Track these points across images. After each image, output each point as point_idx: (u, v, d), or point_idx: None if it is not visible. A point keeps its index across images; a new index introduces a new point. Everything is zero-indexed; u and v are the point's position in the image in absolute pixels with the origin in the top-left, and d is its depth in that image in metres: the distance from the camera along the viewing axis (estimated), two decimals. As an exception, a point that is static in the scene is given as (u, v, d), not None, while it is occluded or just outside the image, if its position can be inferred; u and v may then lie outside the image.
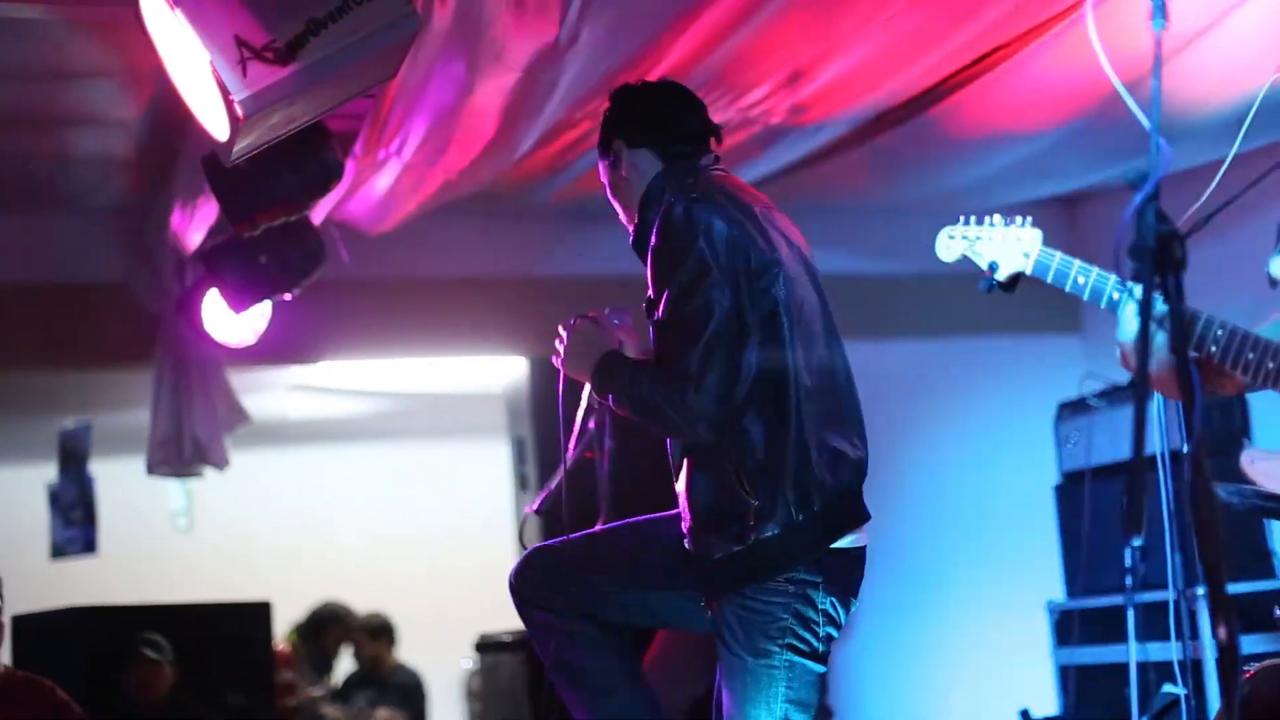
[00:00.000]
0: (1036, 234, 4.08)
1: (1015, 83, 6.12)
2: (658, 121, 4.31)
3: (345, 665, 10.89)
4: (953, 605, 8.47)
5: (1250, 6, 5.33)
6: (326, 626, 10.63)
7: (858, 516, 4.14)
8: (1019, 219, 4.14)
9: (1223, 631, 2.51)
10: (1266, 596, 5.74)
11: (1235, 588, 6.37)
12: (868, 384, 6.97)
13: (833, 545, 4.06)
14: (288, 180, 5.60)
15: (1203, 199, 5.01)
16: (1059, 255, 4.00)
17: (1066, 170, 7.46)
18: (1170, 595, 5.72)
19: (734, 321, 3.96)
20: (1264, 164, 5.59)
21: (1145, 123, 2.75)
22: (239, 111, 4.03)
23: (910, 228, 8.51)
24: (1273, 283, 3.61)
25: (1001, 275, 4.06)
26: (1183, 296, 2.65)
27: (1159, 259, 2.61)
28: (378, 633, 10.65)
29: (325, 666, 10.62)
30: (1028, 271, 4.00)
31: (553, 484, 5.64)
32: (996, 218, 4.14)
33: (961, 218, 4.21)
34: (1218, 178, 5.01)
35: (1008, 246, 4.08)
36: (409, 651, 10.80)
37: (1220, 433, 6.84)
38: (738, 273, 4.00)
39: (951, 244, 4.20)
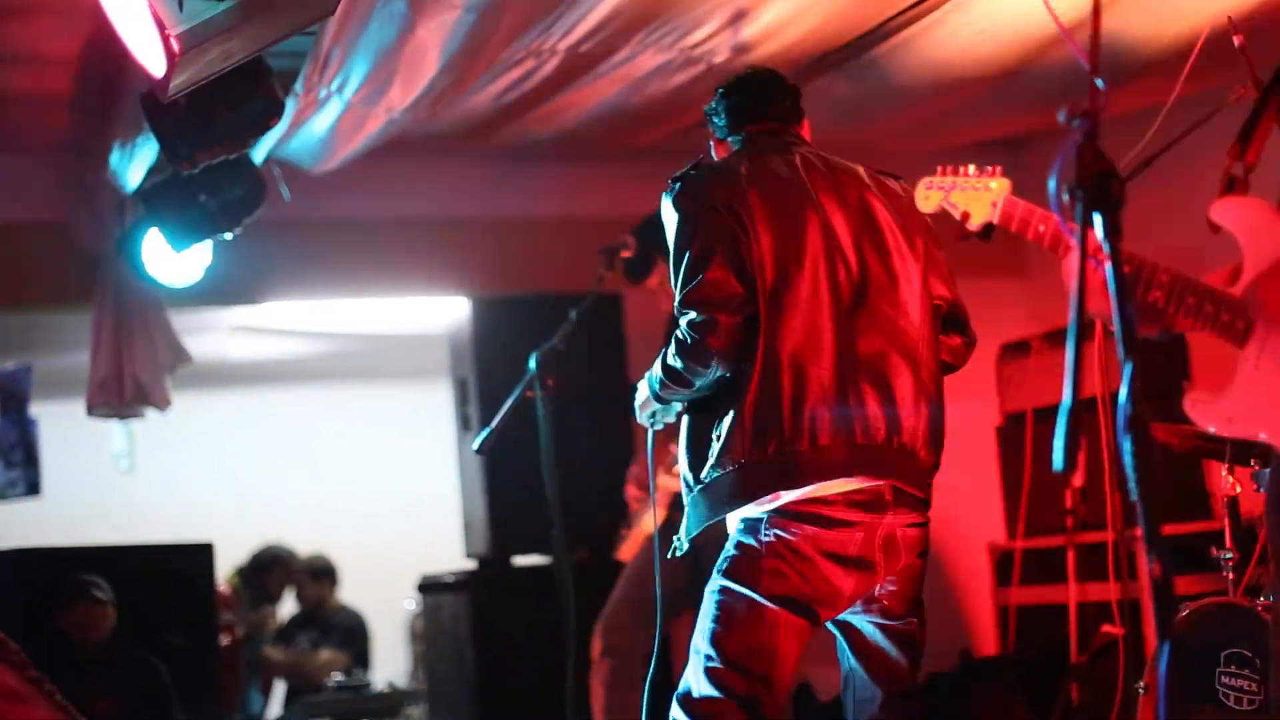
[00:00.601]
0: (1005, 184, 4.07)
1: (959, 23, 6.11)
2: None
3: (288, 607, 10.87)
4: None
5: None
6: (268, 568, 10.60)
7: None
8: (990, 168, 4.12)
9: (1156, 567, 2.52)
10: (1204, 537, 5.76)
11: (1174, 529, 6.42)
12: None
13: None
14: (227, 118, 5.55)
15: (1145, 141, 5.04)
16: (1022, 204, 3.99)
17: (1011, 112, 7.47)
18: (1109, 536, 5.77)
19: None
20: (1209, 106, 5.62)
21: (1084, 62, 2.74)
22: (175, 46, 3.99)
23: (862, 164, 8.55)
24: (1214, 228, 3.62)
25: (974, 224, 4.05)
26: (1120, 234, 2.65)
27: (1096, 196, 2.61)
28: (320, 574, 10.63)
29: (268, 608, 10.62)
30: (995, 221, 3.99)
31: (495, 422, 5.63)
32: (971, 168, 4.12)
33: (939, 168, 4.18)
34: (1159, 119, 5.03)
35: (979, 196, 4.07)
36: (352, 593, 10.79)
37: (1160, 375, 6.88)
38: None
39: (929, 195, 4.18)
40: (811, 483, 4.06)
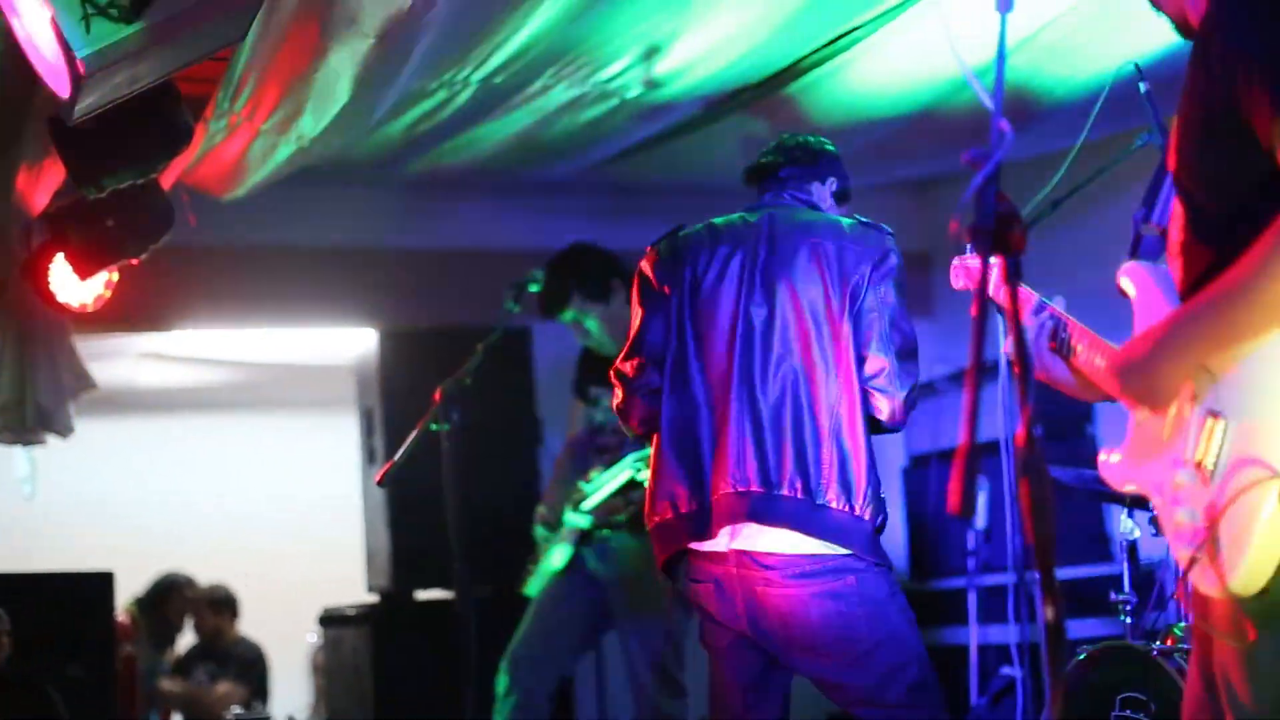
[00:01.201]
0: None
1: (870, 64, 6.15)
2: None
3: (188, 638, 10.77)
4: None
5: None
6: (167, 597, 10.45)
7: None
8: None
9: (1050, 611, 2.53)
10: (1103, 581, 5.81)
11: (1073, 571, 6.46)
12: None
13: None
14: (135, 142, 5.50)
15: (1051, 185, 5.08)
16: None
17: (920, 153, 7.52)
18: (1010, 578, 5.79)
19: None
20: (1116, 152, 5.67)
21: (989, 105, 2.75)
22: (80, 69, 3.96)
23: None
24: (1121, 292, 3.66)
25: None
26: (1020, 276, 2.66)
27: (997, 239, 2.62)
28: (220, 605, 10.52)
29: (168, 638, 10.45)
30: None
31: (399, 455, 5.61)
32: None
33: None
34: (1064, 166, 5.07)
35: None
36: (255, 624, 10.70)
37: (1063, 417, 6.94)
38: None
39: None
40: None
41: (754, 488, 4.31)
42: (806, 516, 4.28)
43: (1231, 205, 2.97)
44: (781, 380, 4.35)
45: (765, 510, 4.30)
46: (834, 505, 4.27)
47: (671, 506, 4.43)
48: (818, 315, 4.37)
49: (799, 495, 4.28)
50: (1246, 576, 2.84)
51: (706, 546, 4.38)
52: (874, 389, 4.38)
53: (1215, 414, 2.94)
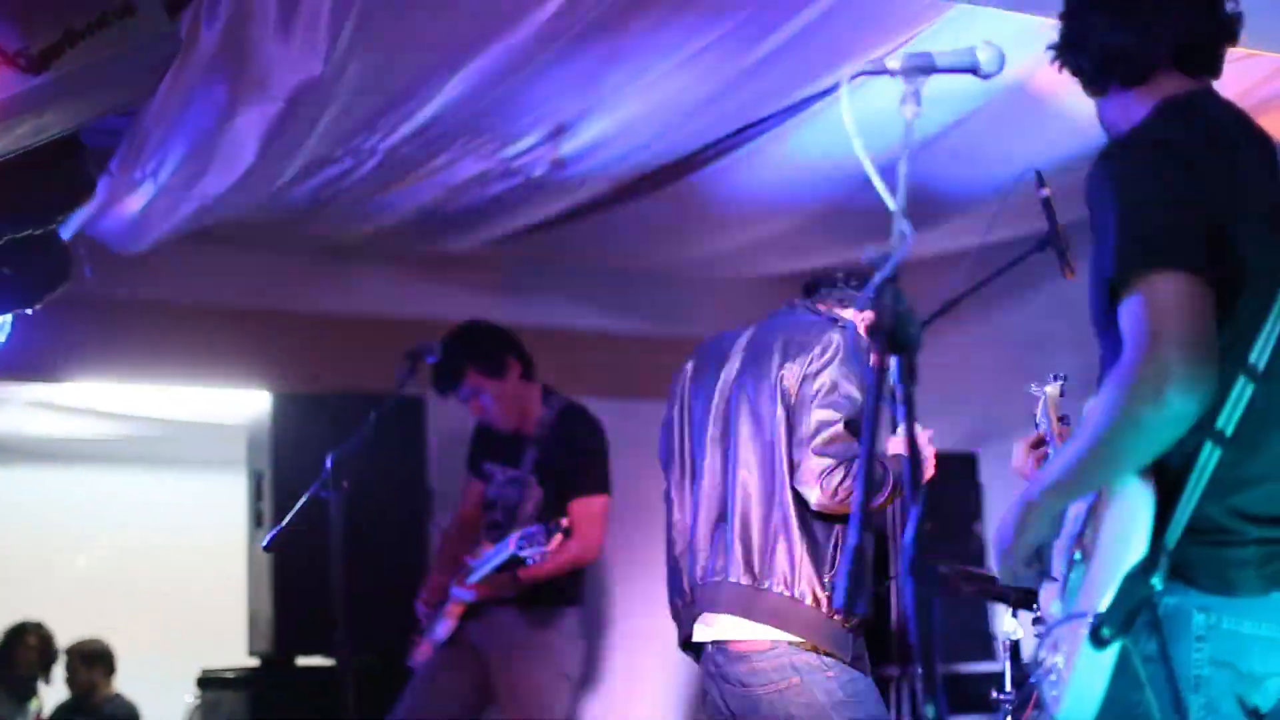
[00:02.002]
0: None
1: (775, 155, 6.20)
2: None
3: (60, 692, 10.58)
4: (680, 671, 8.49)
5: (998, 102, 5.48)
6: (15, 646, 10.21)
7: None
8: None
9: (930, 710, 2.55)
10: (987, 678, 5.84)
11: (959, 668, 6.49)
12: (623, 442, 7.01)
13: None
14: (37, 192, 5.46)
15: (950, 284, 5.13)
16: None
17: (821, 247, 7.57)
18: (893, 672, 5.81)
19: None
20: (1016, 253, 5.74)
21: (891, 204, 2.79)
22: (-16, 118, 3.94)
23: (670, 290, 8.63)
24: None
25: None
26: (915, 376, 2.68)
27: (895, 338, 2.65)
28: (93, 659, 10.31)
29: (25, 689, 10.15)
30: None
31: (286, 520, 5.57)
32: None
33: None
34: (964, 264, 5.12)
35: None
36: (133, 683, 10.54)
37: (953, 516, 6.99)
38: None
39: None
40: None
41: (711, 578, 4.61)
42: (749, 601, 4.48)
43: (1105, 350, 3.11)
44: (735, 480, 4.59)
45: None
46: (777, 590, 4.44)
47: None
48: (759, 413, 4.57)
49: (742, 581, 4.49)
50: (1068, 711, 2.95)
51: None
52: (800, 484, 4.44)
53: (1082, 548, 3.04)
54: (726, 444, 4.65)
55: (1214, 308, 2.90)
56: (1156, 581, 2.90)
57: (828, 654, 4.41)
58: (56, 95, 3.96)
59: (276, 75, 5.07)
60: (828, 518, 4.45)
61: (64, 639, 10.42)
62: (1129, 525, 2.95)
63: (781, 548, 4.44)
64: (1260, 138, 3.20)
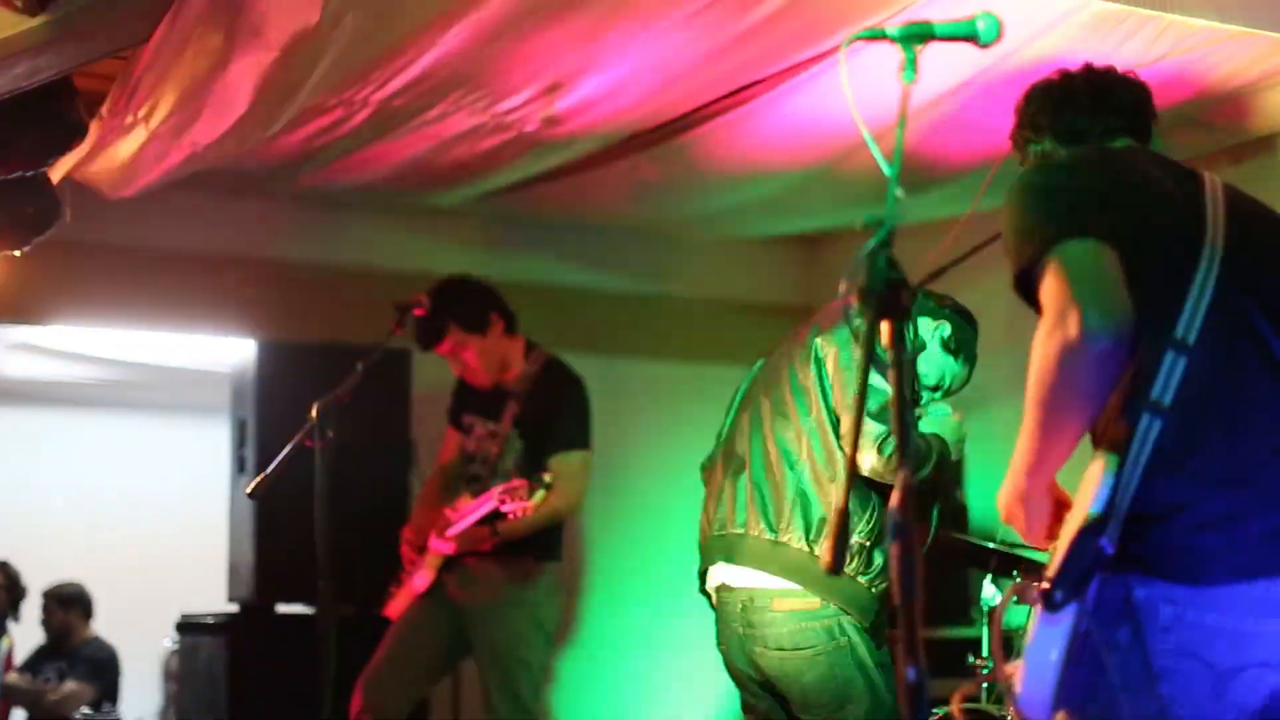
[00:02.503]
0: None
1: (769, 118, 6.20)
2: None
3: (38, 634, 10.60)
4: (654, 628, 8.54)
5: (980, 75, 5.50)
6: None
7: None
8: None
9: (911, 671, 2.57)
10: (964, 643, 5.88)
11: (936, 633, 6.53)
12: (605, 399, 7.06)
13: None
14: (27, 134, 5.47)
15: (937, 251, 5.14)
16: None
17: (812, 209, 7.58)
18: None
19: None
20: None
21: (886, 170, 2.80)
22: (-18, 59, 3.94)
23: (656, 249, 8.64)
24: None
25: None
26: (905, 342, 2.71)
27: (885, 303, 2.67)
28: (69, 602, 10.33)
29: None
30: None
31: (271, 468, 5.59)
32: None
33: None
34: (953, 232, 5.13)
35: None
36: (112, 627, 10.56)
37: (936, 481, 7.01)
38: None
39: None
40: None
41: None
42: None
43: None
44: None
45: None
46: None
47: None
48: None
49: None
50: (1025, 697, 3.08)
51: None
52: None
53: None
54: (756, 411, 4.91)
55: (1120, 267, 3.09)
56: (1105, 543, 2.96)
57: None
58: (53, 37, 3.96)
59: (272, 24, 5.05)
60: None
61: (42, 582, 10.46)
62: (1082, 494, 3.05)
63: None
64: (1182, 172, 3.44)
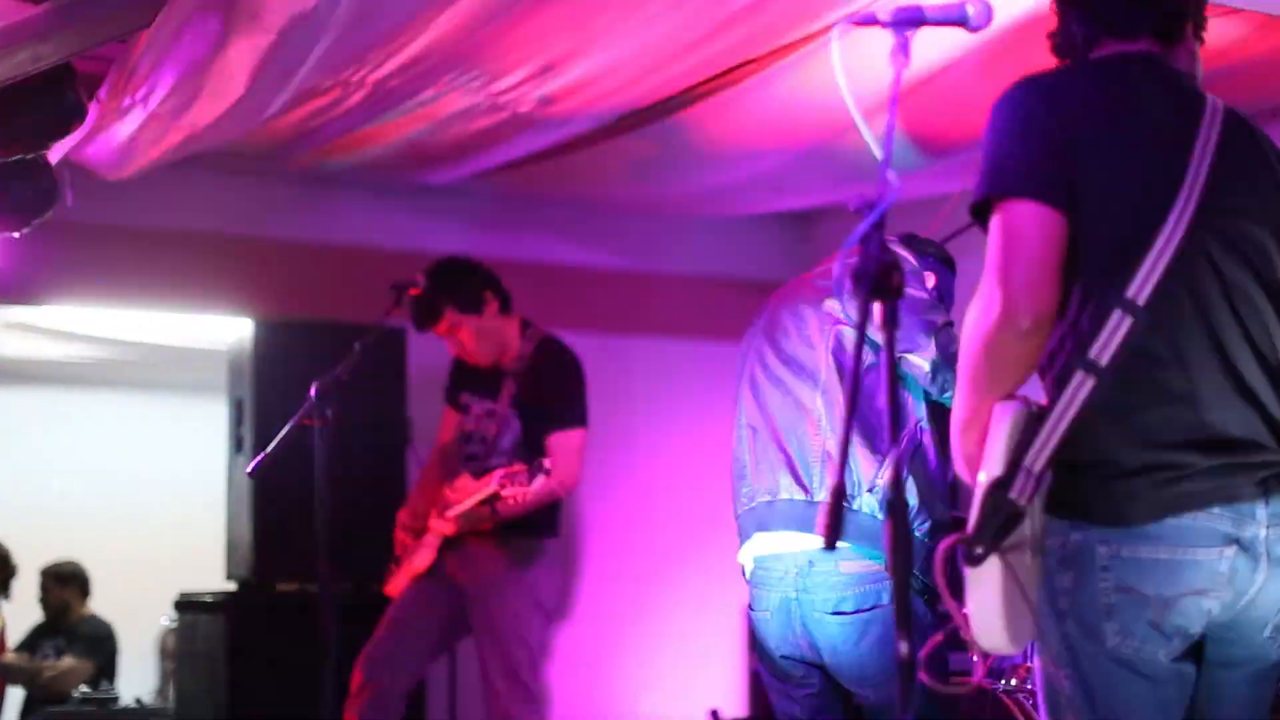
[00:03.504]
0: None
1: (760, 97, 6.24)
2: None
3: (35, 613, 10.63)
4: (650, 604, 8.60)
5: (984, 49, 5.52)
6: None
7: None
8: None
9: (903, 645, 2.63)
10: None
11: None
12: (601, 377, 7.10)
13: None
14: (27, 117, 5.49)
15: (930, 229, 5.19)
16: None
17: (804, 187, 7.62)
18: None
19: None
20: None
21: (877, 153, 2.85)
22: (-15, 46, 3.97)
23: (650, 227, 8.69)
24: None
25: None
26: (897, 323, 2.76)
27: (878, 285, 2.72)
28: (65, 579, 10.34)
29: None
30: None
31: (271, 447, 5.63)
32: None
33: None
34: (945, 210, 5.18)
35: None
36: (109, 605, 10.59)
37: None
38: None
39: None
40: None
41: None
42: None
43: None
44: None
45: None
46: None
47: None
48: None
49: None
50: (982, 639, 3.20)
51: None
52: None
53: None
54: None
55: (1060, 239, 3.15)
56: (1015, 496, 3.06)
57: None
58: (58, 24, 4.00)
59: (270, 7, 5.09)
60: None
61: (40, 562, 10.49)
62: (990, 448, 3.13)
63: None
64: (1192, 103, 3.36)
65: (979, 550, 3.05)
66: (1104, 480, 3.10)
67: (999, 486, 3.06)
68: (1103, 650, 3.11)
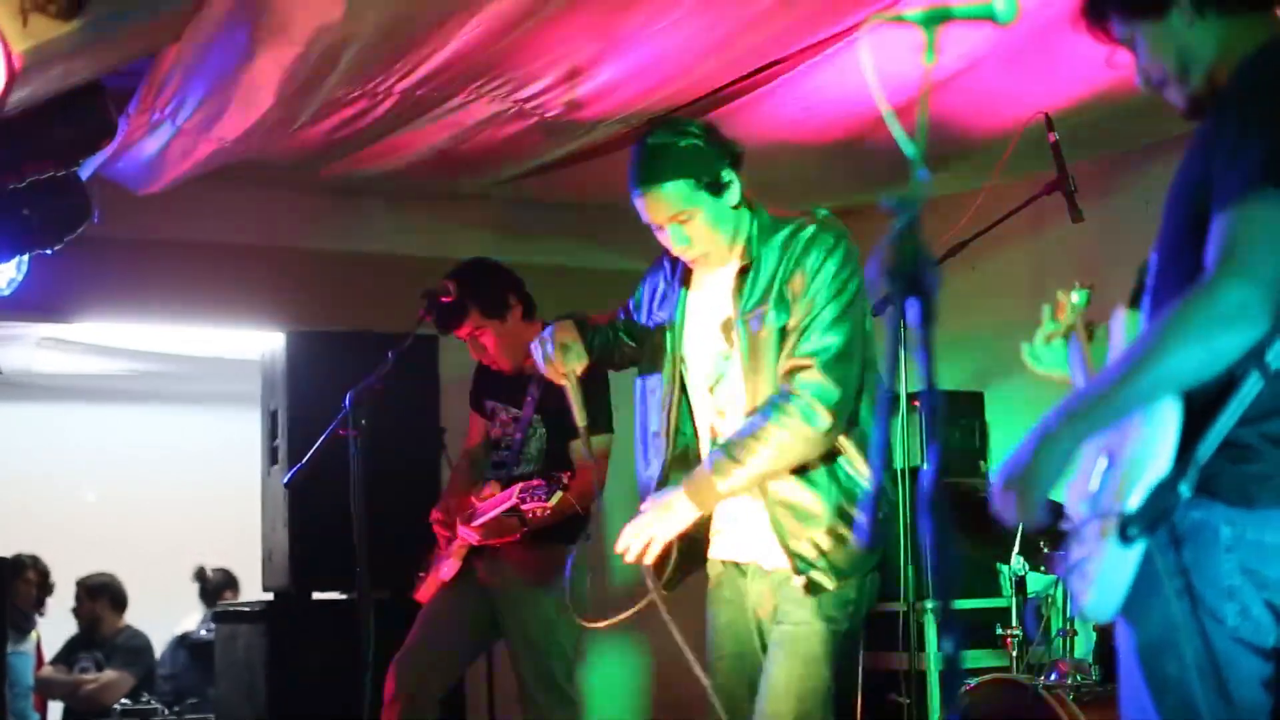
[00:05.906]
0: None
1: (789, 97, 6.24)
2: None
3: (70, 626, 10.65)
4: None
5: (1012, 47, 5.52)
6: (15, 581, 10.21)
7: None
8: None
9: (948, 644, 2.63)
10: (992, 613, 5.93)
11: (965, 604, 6.58)
12: (626, 384, 7.07)
13: None
14: (59, 134, 5.53)
15: (961, 224, 5.20)
16: None
17: (833, 186, 7.61)
18: (901, 607, 5.91)
19: None
20: (1024, 194, 5.80)
21: (909, 151, 2.84)
22: (16, 64, 3.99)
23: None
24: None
25: None
26: (934, 321, 2.75)
27: (914, 283, 2.72)
28: (96, 591, 10.35)
29: (24, 624, 10.18)
30: None
31: (307, 458, 5.65)
32: None
33: None
34: (974, 205, 5.19)
35: None
36: (146, 617, 10.62)
37: (959, 453, 7.07)
38: None
39: None
40: None
41: None
42: None
43: (1180, 277, 3.12)
44: None
45: None
46: None
47: None
48: None
49: None
50: (1094, 603, 3.11)
51: None
52: None
53: (1104, 452, 3.13)
54: None
55: None
56: (1184, 489, 3.02)
57: None
58: (88, 41, 4.02)
59: (297, 20, 5.11)
60: None
61: (76, 574, 10.53)
62: (1156, 437, 3.05)
63: None
64: None
65: (1134, 532, 3.03)
66: (1234, 461, 3.07)
67: (1173, 481, 3.03)
68: (1223, 629, 3.09)
